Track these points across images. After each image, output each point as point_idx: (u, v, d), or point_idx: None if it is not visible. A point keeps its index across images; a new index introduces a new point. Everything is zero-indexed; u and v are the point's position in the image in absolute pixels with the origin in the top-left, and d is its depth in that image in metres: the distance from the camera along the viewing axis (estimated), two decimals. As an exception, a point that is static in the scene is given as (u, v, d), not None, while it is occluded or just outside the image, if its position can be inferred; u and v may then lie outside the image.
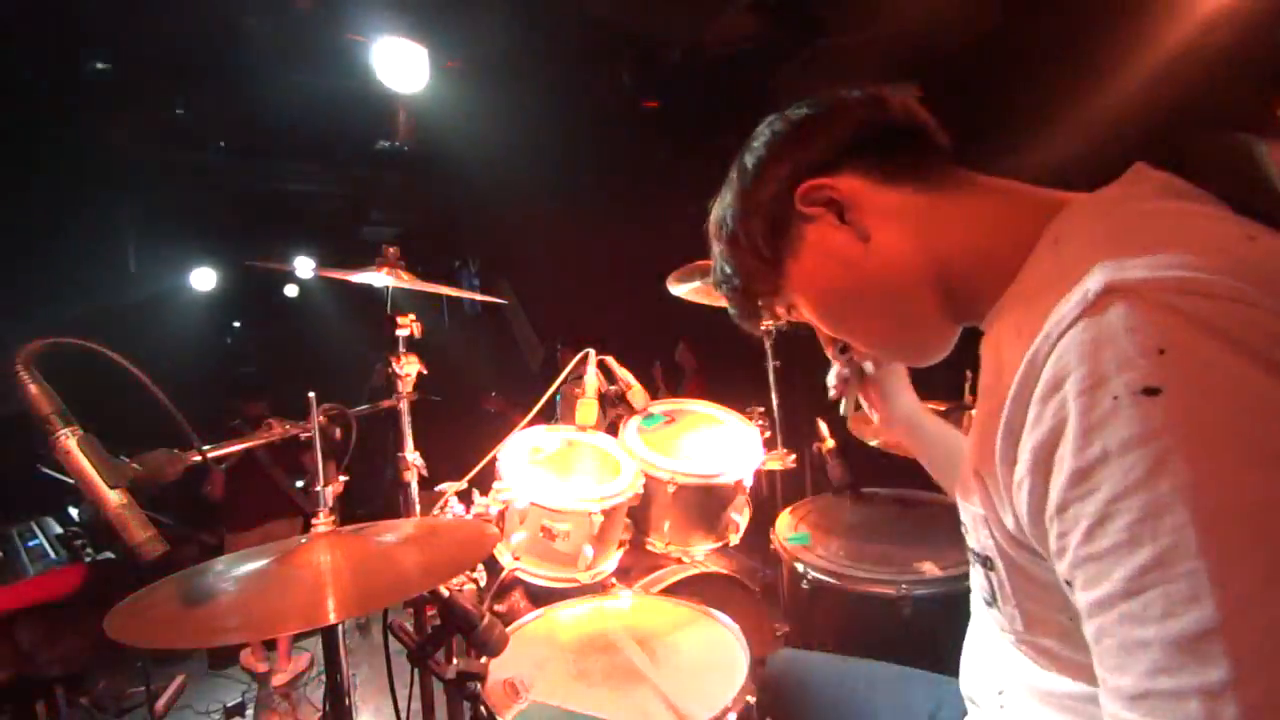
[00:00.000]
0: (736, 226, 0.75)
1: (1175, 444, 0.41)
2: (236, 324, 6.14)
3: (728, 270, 0.78)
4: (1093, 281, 0.47)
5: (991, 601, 0.63)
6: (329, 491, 1.07)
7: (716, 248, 0.79)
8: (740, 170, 0.75)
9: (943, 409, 1.94)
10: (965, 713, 0.79)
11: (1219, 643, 0.38)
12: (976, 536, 0.62)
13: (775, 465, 1.99)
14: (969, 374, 1.90)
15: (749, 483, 1.77)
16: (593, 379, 1.79)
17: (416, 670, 0.99)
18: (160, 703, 2.79)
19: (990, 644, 0.70)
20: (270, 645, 3.29)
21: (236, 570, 0.95)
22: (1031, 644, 0.60)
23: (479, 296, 6.49)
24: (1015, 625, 0.60)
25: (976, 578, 0.66)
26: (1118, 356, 0.43)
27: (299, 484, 3.49)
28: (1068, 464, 0.45)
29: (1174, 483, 0.40)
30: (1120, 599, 0.42)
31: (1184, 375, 0.42)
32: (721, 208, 0.77)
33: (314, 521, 1.02)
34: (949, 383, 1.83)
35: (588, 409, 1.77)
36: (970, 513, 0.62)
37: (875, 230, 0.67)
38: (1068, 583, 0.48)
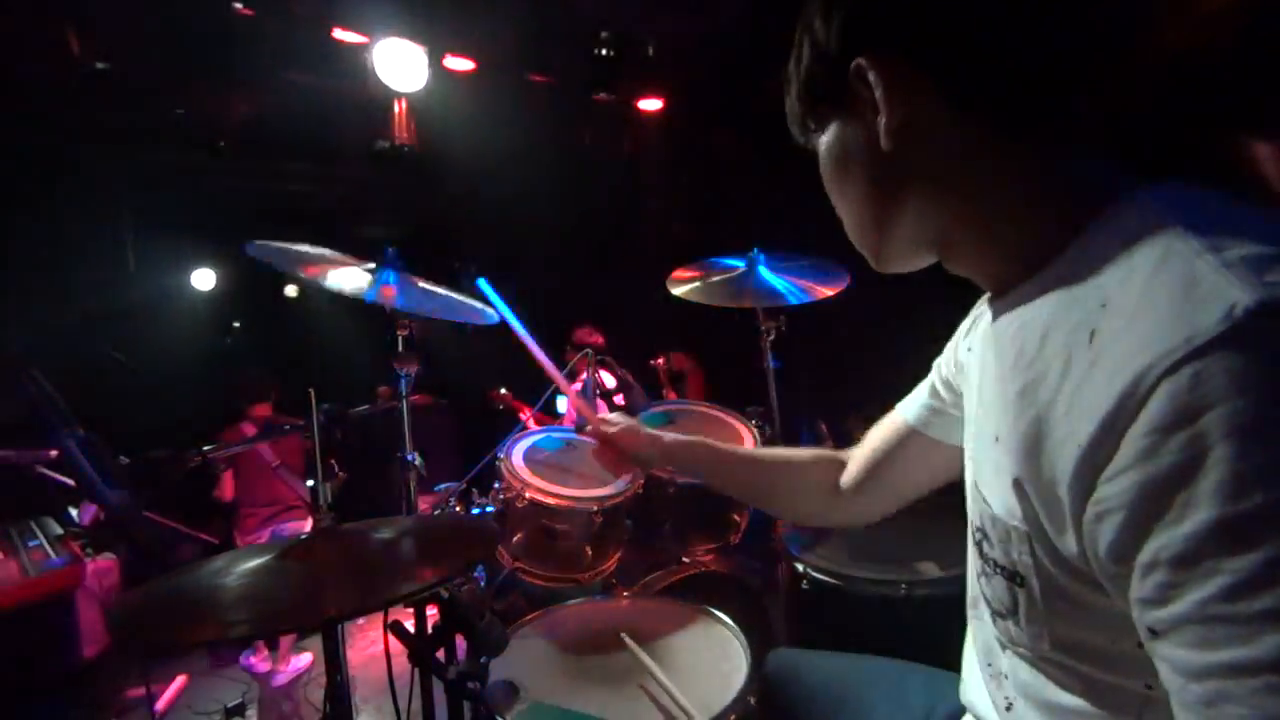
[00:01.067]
0: (809, 52, 0.64)
1: None
2: (236, 324, 6.13)
3: (796, 68, 0.67)
4: (1239, 295, 0.40)
5: (1008, 615, 0.59)
6: (327, 488, 1.07)
7: (799, 37, 0.67)
8: None
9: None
10: (965, 711, 0.79)
11: None
12: (1006, 550, 0.58)
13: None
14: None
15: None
16: (593, 379, 1.79)
17: (416, 670, 0.99)
18: (160, 703, 2.79)
19: (996, 656, 0.67)
20: (271, 645, 3.29)
21: (236, 568, 0.95)
22: (1053, 662, 0.57)
23: (476, 303, 6.48)
24: (1038, 643, 0.57)
25: (989, 588, 0.62)
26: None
27: (309, 484, 3.49)
28: (1205, 512, 0.39)
29: None
30: (1269, 670, 0.38)
31: None
32: (811, 9, 0.63)
33: (314, 517, 1.02)
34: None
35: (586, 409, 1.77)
36: (1002, 524, 0.58)
37: (916, 150, 0.58)
38: (1153, 631, 0.43)
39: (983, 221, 0.59)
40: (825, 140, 0.66)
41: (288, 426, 3.11)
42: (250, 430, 3.42)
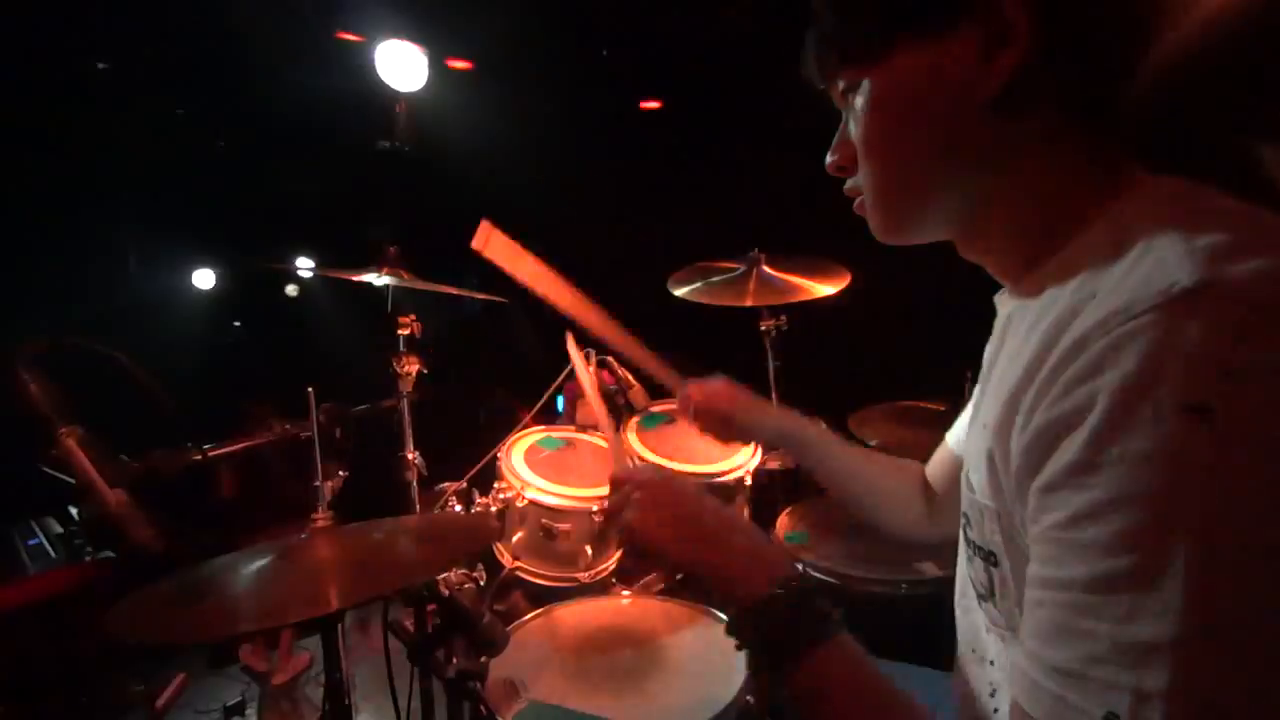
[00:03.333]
0: None
1: (1200, 473, 0.39)
2: (237, 324, 6.13)
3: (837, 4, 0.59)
4: (1183, 274, 0.42)
5: (988, 596, 0.62)
6: (327, 488, 1.07)
7: None
8: None
9: (941, 409, 1.94)
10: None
11: (1168, 659, 0.39)
12: (980, 530, 0.60)
13: (775, 465, 1.99)
14: (969, 372, 1.90)
15: (749, 482, 1.77)
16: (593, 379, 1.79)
17: (416, 670, 0.99)
18: (160, 702, 2.78)
19: (981, 641, 0.69)
20: (271, 644, 3.29)
21: (235, 568, 0.95)
22: None
23: (480, 295, 6.49)
24: (1014, 621, 0.59)
25: (973, 571, 0.64)
26: (1180, 363, 0.40)
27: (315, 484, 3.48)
28: (1076, 451, 0.44)
29: (1183, 512, 0.39)
30: (1081, 589, 0.43)
31: (1247, 402, 0.39)
32: None
33: (313, 516, 1.02)
34: (948, 382, 1.84)
35: (588, 409, 1.78)
36: (977, 505, 0.60)
37: (1007, 99, 0.52)
38: (1026, 557, 0.49)
39: (1015, 205, 0.58)
40: (893, 77, 0.56)
41: (286, 425, 3.10)
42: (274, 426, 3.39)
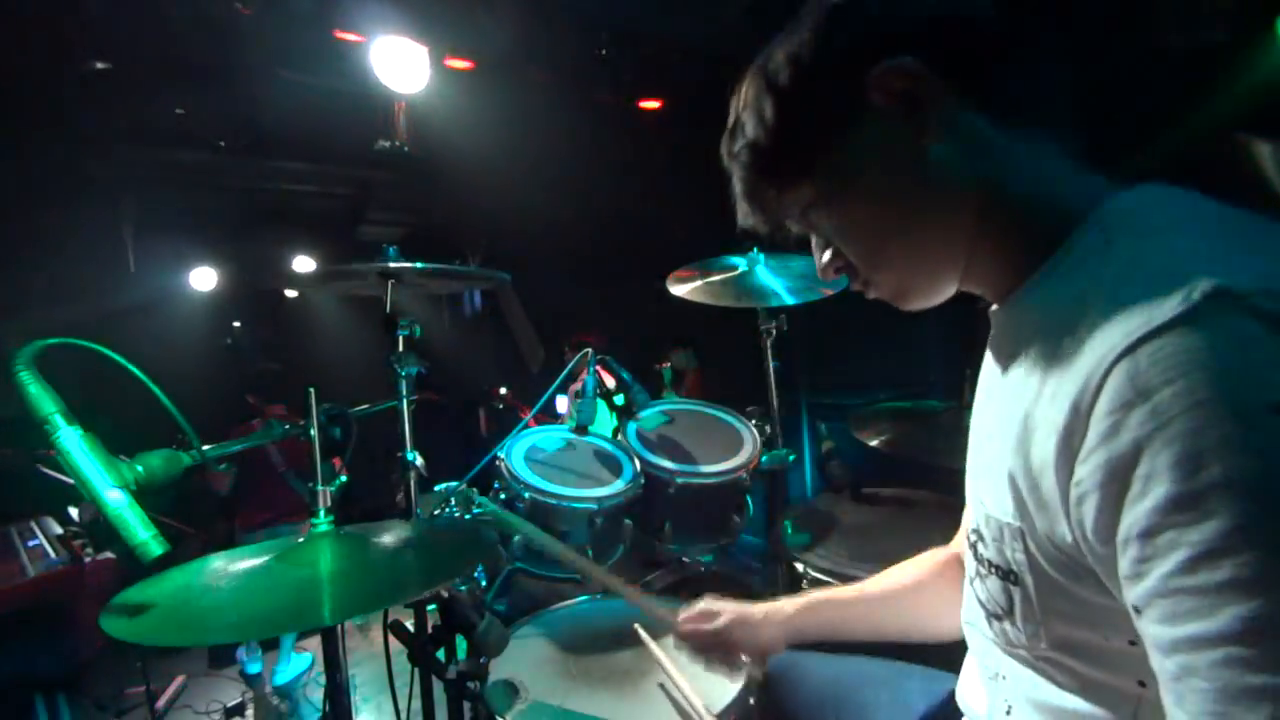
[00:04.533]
0: (797, 80, 0.59)
1: None
2: (237, 324, 6.14)
3: (761, 126, 0.62)
4: (1198, 281, 0.41)
5: (1004, 615, 0.59)
6: (326, 491, 1.07)
7: (754, 92, 0.63)
8: (824, 13, 0.59)
9: (941, 409, 1.94)
10: (961, 714, 0.79)
11: None
12: (1000, 548, 0.58)
13: (775, 465, 1.99)
14: (968, 373, 1.90)
15: (749, 483, 1.77)
16: (593, 379, 1.79)
17: (416, 670, 0.99)
18: (160, 703, 2.79)
19: (994, 658, 0.66)
20: (268, 646, 3.29)
21: (236, 568, 0.95)
22: (1052, 662, 0.57)
23: (477, 287, 6.50)
24: (1035, 643, 0.57)
25: (985, 589, 0.62)
26: (1244, 370, 0.38)
27: (311, 485, 3.45)
28: (1165, 486, 0.40)
29: None
30: (1230, 642, 0.38)
31: None
32: (788, 46, 0.60)
33: (312, 520, 1.02)
34: (948, 382, 1.84)
35: (588, 409, 1.77)
36: (995, 522, 0.58)
37: (941, 145, 0.56)
38: (1135, 609, 0.44)
39: (1000, 224, 0.59)
40: (836, 182, 0.60)
41: (289, 426, 3.09)
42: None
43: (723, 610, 1.02)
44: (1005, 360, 0.60)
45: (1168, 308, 0.41)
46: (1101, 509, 0.44)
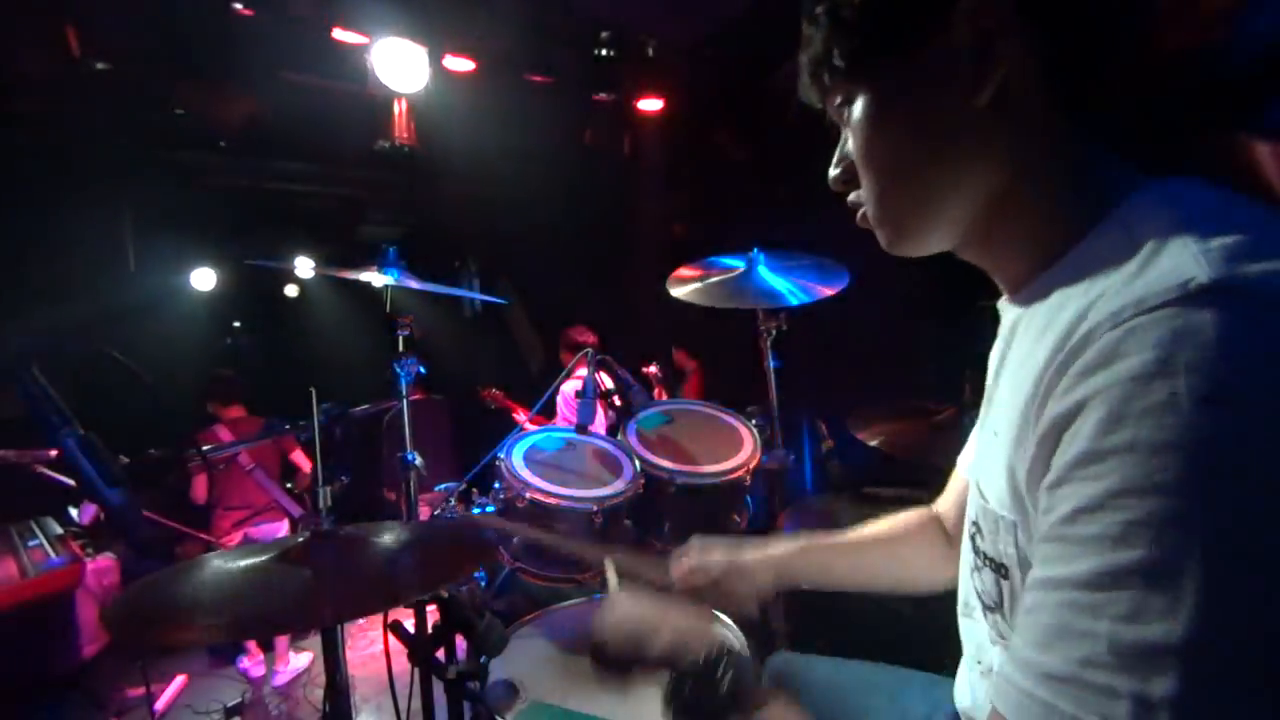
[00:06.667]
0: None
1: (1224, 465, 0.37)
2: (236, 324, 6.14)
3: (849, 4, 0.57)
4: (1199, 271, 0.41)
5: (995, 608, 0.60)
6: (327, 491, 1.07)
7: None
8: None
9: (941, 409, 1.94)
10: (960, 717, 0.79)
11: (1178, 663, 0.36)
12: (995, 541, 0.58)
13: (775, 465, 1.99)
14: (968, 373, 1.89)
15: (749, 482, 1.77)
16: (593, 379, 1.79)
17: (416, 670, 0.99)
18: (160, 703, 2.79)
19: (987, 652, 0.67)
20: (265, 647, 3.29)
21: (236, 569, 0.95)
22: None
23: (479, 296, 6.50)
24: None
25: (980, 581, 0.62)
26: (1200, 355, 0.39)
27: (288, 486, 3.46)
28: (1082, 442, 0.42)
29: (1203, 504, 0.37)
30: (1079, 587, 0.41)
31: (1267, 397, 0.37)
32: None
33: (313, 521, 1.02)
34: (948, 382, 1.84)
35: (588, 409, 1.77)
36: (991, 515, 0.58)
37: (1000, 113, 0.54)
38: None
39: (1023, 207, 0.57)
40: (883, 91, 0.58)
41: (288, 426, 3.10)
42: (224, 432, 3.39)
43: (715, 562, 1.02)
44: (1017, 350, 0.60)
45: (1161, 291, 0.42)
46: (1035, 461, 0.47)
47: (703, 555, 1.03)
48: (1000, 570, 0.58)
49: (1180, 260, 0.43)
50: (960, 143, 0.56)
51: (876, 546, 1.02)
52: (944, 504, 0.99)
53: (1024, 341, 0.58)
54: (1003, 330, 0.67)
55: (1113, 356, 0.42)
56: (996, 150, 0.56)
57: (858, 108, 0.60)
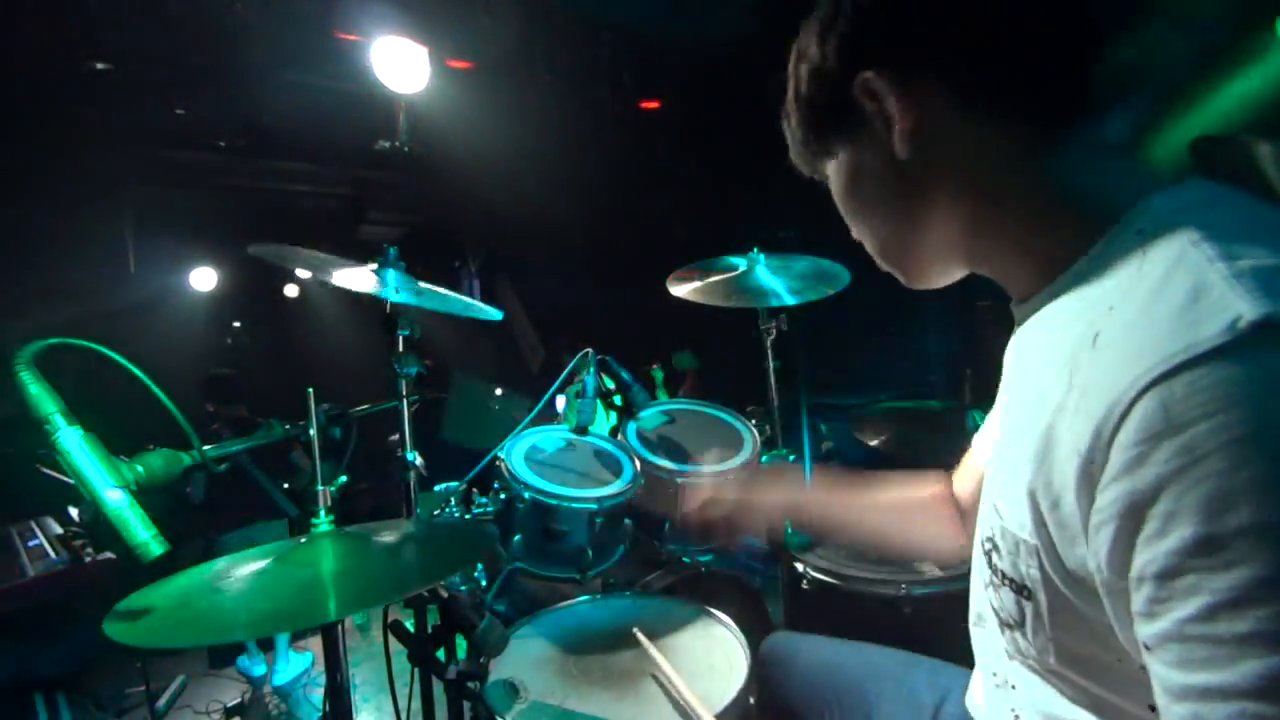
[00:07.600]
0: (807, 74, 0.65)
1: None
2: (236, 324, 6.14)
3: (794, 101, 0.69)
4: (1245, 308, 0.38)
5: (1015, 627, 0.58)
6: (328, 491, 1.07)
7: (790, 66, 0.69)
8: (826, 10, 0.63)
9: (941, 409, 1.94)
10: (970, 714, 0.79)
11: None
12: (1015, 562, 0.56)
13: (775, 465, 1.99)
14: (969, 372, 1.90)
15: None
16: (593, 379, 1.79)
17: (416, 670, 0.99)
18: (160, 703, 2.79)
19: (1004, 667, 0.66)
20: (265, 647, 3.28)
21: (236, 570, 0.95)
22: (1059, 676, 0.57)
23: (479, 304, 6.51)
24: (1045, 656, 0.56)
25: (997, 598, 0.60)
26: None
27: (285, 486, 3.45)
28: (1189, 527, 0.38)
29: None
30: (1247, 696, 0.36)
31: None
32: (806, 36, 0.65)
33: (313, 521, 1.02)
34: (948, 382, 1.84)
35: (588, 409, 1.77)
36: (1011, 536, 0.56)
37: (932, 154, 0.59)
38: (1146, 646, 0.42)
39: (1004, 226, 0.60)
40: (837, 166, 0.67)
41: (287, 426, 3.09)
42: (223, 432, 3.38)
43: (729, 498, 1.09)
44: (1028, 362, 0.59)
45: (1210, 335, 0.39)
46: (1116, 542, 0.43)
47: (718, 489, 1.10)
48: (1022, 591, 0.56)
49: (1203, 277, 0.41)
50: (908, 190, 0.62)
51: (891, 509, 1.04)
52: (960, 481, 0.99)
53: (1036, 351, 0.58)
54: (1015, 335, 0.66)
55: (1182, 420, 0.38)
56: (947, 186, 0.60)
57: (830, 177, 0.70)
